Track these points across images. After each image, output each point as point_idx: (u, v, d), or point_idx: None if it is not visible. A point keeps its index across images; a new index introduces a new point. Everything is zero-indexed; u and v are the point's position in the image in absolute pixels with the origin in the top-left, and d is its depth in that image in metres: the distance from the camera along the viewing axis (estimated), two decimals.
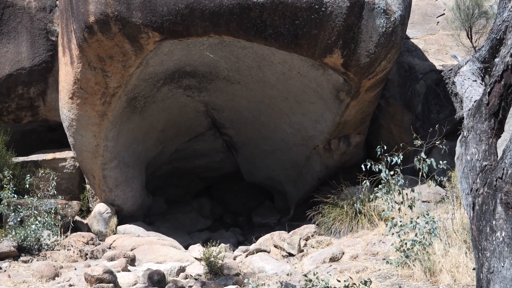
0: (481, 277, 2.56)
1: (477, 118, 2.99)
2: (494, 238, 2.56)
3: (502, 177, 2.68)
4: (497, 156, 2.91)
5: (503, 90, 2.93)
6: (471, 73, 3.52)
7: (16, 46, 13.87)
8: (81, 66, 11.81)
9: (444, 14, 16.69)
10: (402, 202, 9.15)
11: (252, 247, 11.91)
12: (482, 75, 3.56)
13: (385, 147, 9.19)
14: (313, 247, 10.98)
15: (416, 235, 8.60)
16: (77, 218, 13.47)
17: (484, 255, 2.57)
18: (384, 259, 9.17)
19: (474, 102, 3.10)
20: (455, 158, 2.85)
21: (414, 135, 9.82)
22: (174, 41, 11.38)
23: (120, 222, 13.68)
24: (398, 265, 8.69)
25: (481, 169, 2.80)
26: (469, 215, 2.76)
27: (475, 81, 3.42)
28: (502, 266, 2.49)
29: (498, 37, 3.66)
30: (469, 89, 3.32)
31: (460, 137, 3.07)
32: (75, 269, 10.53)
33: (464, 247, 8.33)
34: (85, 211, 13.97)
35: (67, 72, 12.42)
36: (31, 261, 10.83)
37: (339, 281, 7.90)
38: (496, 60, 3.72)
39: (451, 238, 8.58)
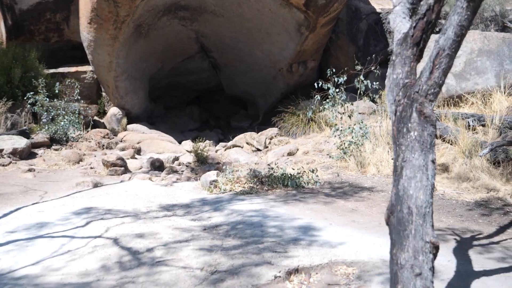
0: (397, 164, 2.64)
1: (403, 46, 2.98)
2: (408, 137, 2.63)
3: (418, 92, 2.72)
4: (416, 77, 2.93)
5: (425, 25, 2.91)
6: (401, 11, 3.46)
7: None
8: None
9: None
10: (343, 113, 9.26)
11: (229, 143, 12.05)
12: (410, 14, 3.51)
13: (334, 70, 9.17)
14: (275, 145, 11.14)
15: (352, 137, 8.77)
16: (96, 118, 13.36)
17: (400, 148, 2.64)
18: (328, 154, 9.39)
19: (403, 34, 3.06)
20: (386, 76, 2.83)
21: (356, 62, 9.81)
22: None
23: (129, 122, 13.62)
24: (338, 159, 8.91)
25: (403, 85, 2.82)
26: (392, 119, 2.81)
27: (405, 18, 3.37)
28: (413, 157, 2.57)
29: None
30: (399, 24, 3.28)
31: (390, 61, 3.07)
32: (95, 156, 10.55)
33: (387, 147, 8.55)
34: (102, 113, 13.85)
35: (85, 2, 11.90)
36: (61, 149, 10.81)
37: (293, 169, 8.11)
38: (422, 2, 3.65)
39: (378, 141, 8.78)
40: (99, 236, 5.05)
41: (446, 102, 10.35)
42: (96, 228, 5.35)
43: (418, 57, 2.98)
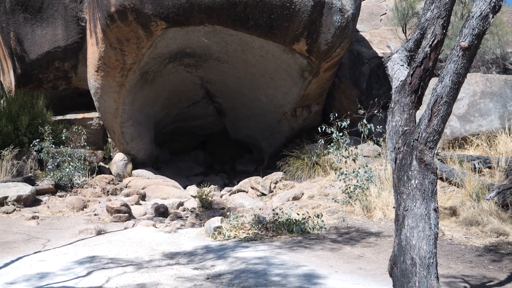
0: (399, 213, 2.60)
1: (402, 94, 3.00)
2: (409, 185, 2.60)
3: (418, 139, 2.71)
4: (415, 124, 2.92)
5: (422, 73, 2.94)
6: (399, 59, 3.51)
7: (53, 29, 13.53)
8: (104, 47, 11.61)
9: (386, 13, 16.54)
10: (348, 156, 9.23)
11: (234, 188, 11.99)
12: (408, 61, 3.55)
13: (337, 114, 9.22)
14: (281, 189, 11.06)
15: (357, 181, 8.71)
16: (101, 164, 13.39)
17: (401, 197, 2.60)
18: (333, 198, 9.30)
19: (400, 81, 3.08)
20: (386, 124, 2.82)
21: (359, 105, 9.86)
22: (177, 29, 11.20)
23: (134, 167, 13.62)
24: (343, 203, 8.82)
25: (403, 132, 2.82)
26: (392, 167, 2.79)
27: (402, 65, 3.41)
28: (414, 206, 2.53)
29: (422, 32, 3.64)
30: (397, 72, 3.31)
31: (389, 108, 3.08)
32: (99, 202, 10.52)
33: (393, 191, 8.44)
34: (108, 159, 13.89)
35: (93, 51, 12.19)
36: (65, 196, 10.79)
37: (298, 214, 8.02)
38: (419, 49, 3.71)
39: (383, 184, 8.70)
40: (100, 287, 4.96)
41: (451, 144, 10.31)
42: (97, 278, 5.26)
43: (417, 104, 3.00)
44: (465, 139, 10.32)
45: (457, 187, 8.56)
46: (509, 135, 9.75)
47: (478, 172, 8.65)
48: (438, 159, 9.36)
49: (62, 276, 5.47)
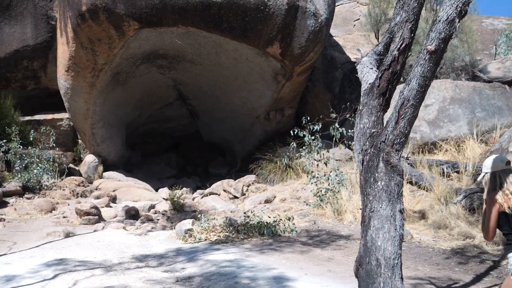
0: (365, 215, 2.62)
1: (370, 96, 3.03)
2: (376, 186, 2.62)
3: (385, 141, 2.74)
4: (383, 126, 2.96)
5: (391, 76, 2.97)
6: (369, 62, 3.55)
7: (22, 28, 13.23)
8: (75, 46, 11.41)
9: (359, 19, 16.78)
10: (320, 160, 9.29)
11: (207, 191, 11.93)
12: (377, 65, 3.60)
13: (309, 118, 9.27)
14: (253, 192, 11.05)
15: (329, 184, 8.77)
16: (71, 165, 13.14)
17: (368, 198, 2.63)
18: (304, 201, 9.33)
19: (369, 84, 3.12)
20: (354, 127, 2.80)
21: (331, 109, 9.94)
22: (150, 29, 11.10)
23: (105, 169, 13.42)
24: (315, 207, 8.87)
25: (370, 134, 2.85)
26: (359, 169, 2.81)
27: (372, 68, 3.45)
28: (380, 207, 2.56)
29: (391, 36, 3.69)
30: (366, 75, 3.35)
31: (357, 111, 3.10)
32: (68, 204, 10.31)
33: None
34: (78, 160, 13.64)
35: (63, 50, 11.97)
36: (33, 198, 10.54)
37: (269, 217, 8.03)
38: (387, 53, 3.75)
39: (354, 188, 8.77)
40: None
41: (420, 149, 10.49)
42: (64, 281, 5.15)
43: (385, 107, 3.03)
44: (435, 144, 10.51)
45: (426, 191, 8.71)
46: (477, 140, 9.97)
47: (446, 176, 8.82)
48: (408, 163, 9.51)
49: (29, 279, 5.34)
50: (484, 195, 3.17)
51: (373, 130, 2.84)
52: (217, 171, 15.80)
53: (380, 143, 2.70)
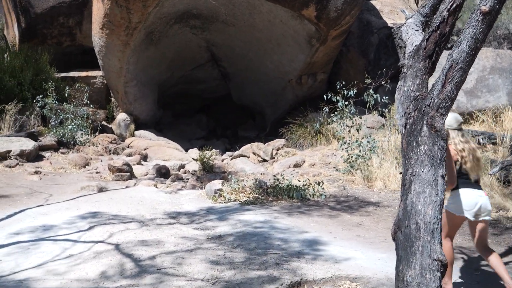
0: (405, 178, 2.58)
1: (415, 59, 2.94)
2: (418, 150, 2.57)
3: (430, 105, 2.66)
4: (427, 90, 2.87)
5: (438, 38, 2.87)
6: (414, 24, 3.42)
7: None
8: (110, 4, 11.38)
9: None
10: (352, 126, 9.19)
11: (236, 153, 11.98)
12: (423, 27, 3.47)
13: (343, 83, 9.12)
14: (282, 156, 11.06)
15: (360, 151, 8.69)
16: (104, 123, 13.36)
17: (409, 162, 2.58)
18: (334, 167, 9.30)
19: (415, 46, 3.02)
20: (397, 89, 2.74)
21: (366, 75, 9.76)
22: None
23: (136, 128, 13.59)
24: (345, 173, 8.83)
25: (414, 97, 2.77)
26: (401, 132, 2.75)
27: (417, 30, 3.33)
28: (422, 171, 2.51)
29: None
30: (412, 36, 3.24)
31: (401, 73, 3.02)
32: (101, 161, 10.54)
33: (394, 162, 8.45)
34: (110, 118, 13.84)
35: (98, 8, 11.97)
36: (68, 153, 10.81)
37: (299, 181, 8.04)
38: (436, 14, 3.61)
39: (385, 155, 8.69)
40: (102, 242, 5.01)
41: None
42: (99, 233, 5.31)
43: (430, 70, 2.94)
44: (471, 115, 10.26)
45: None
46: None
47: (482, 147, 8.63)
48: None
49: (65, 229, 5.53)
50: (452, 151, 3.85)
51: (417, 93, 2.76)
52: (247, 134, 15.81)
53: (425, 107, 2.63)
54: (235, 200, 7.38)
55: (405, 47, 10.84)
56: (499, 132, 9.00)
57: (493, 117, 9.86)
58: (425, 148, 2.54)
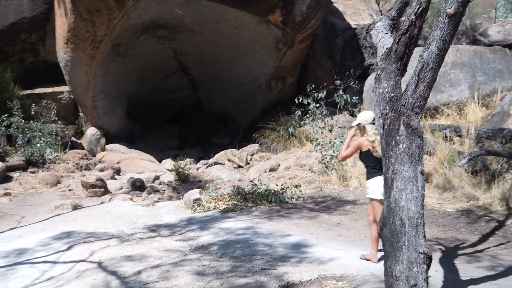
0: (387, 177, 2.68)
1: (388, 61, 3.05)
2: (397, 149, 2.67)
3: (405, 105, 2.77)
4: (401, 90, 2.99)
5: (408, 40, 2.99)
6: (383, 27, 3.55)
7: (18, 0, 13.05)
8: (73, 18, 11.27)
9: None
10: (324, 127, 9.34)
11: (211, 160, 11.99)
12: (391, 29, 3.60)
13: (313, 86, 9.27)
14: (257, 161, 11.13)
15: (333, 151, 8.84)
16: (73, 139, 13.14)
17: (390, 161, 2.68)
18: (309, 169, 9.43)
19: (386, 49, 3.13)
20: (372, 91, 2.82)
21: (335, 77, 9.94)
22: None
23: (107, 142, 13.42)
24: (320, 174, 8.96)
25: (390, 98, 2.88)
26: (380, 133, 2.85)
27: (386, 33, 3.45)
28: (403, 169, 2.62)
29: (405, 1, 3.69)
30: (382, 39, 3.36)
31: (374, 75, 3.13)
32: (73, 178, 10.38)
33: None
34: (79, 133, 13.63)
35: (62, 22, 11.82)
36: (37, 172, 10.58)
37: (276, 185, 8.13)
38: (402, 18, 3.75)
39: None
40: (83, 260, 4.96)
41: (422, 114, 10.53)
42: (79, 252, 5.25)
43: (402, 71, 3.06)
44: (436, 109, 10.55)
45: (429, 155, 8.81)
46: (478, 104, 10.02)
47: (449, 140, 8.90)
48: None
49: (42, 251, 5.43)
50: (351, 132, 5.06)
51: (392, 94, 2.87)
52: (220, 141, 15.81)
53: (401, 107, 2.74)
54: (214, 208, 7.40)
55: (370, 47, 11.09)
56: (464, 124, 9.29)
57: (458, 110, 10.17)
58: (404, 146, 2.64)
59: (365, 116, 4.71)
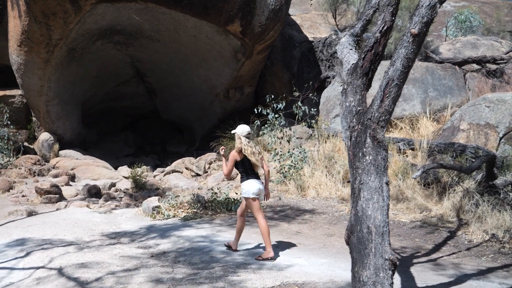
0: (354, 187, 2.80)
1: (354, 76, 3.19)
2: (364, 161, 2.80)
3: (371, 118, 2.91)
4: (366, 104, 3.13)
5: (373, 56, 3.14)
6: (348, 43, 3.71)
7: None
8: (28, 20, 10.98)
9: None
10: (282, 137, 9.49)
11: (168, 168, 11.92)
12: (355, 45, 3.77)
13: (273, 96, 9.41)
14: (215, 170, 11.15)
15: (291, 161, 8.99)
16: (25, 144, 12.74)
17: (357, 172, 2.80)
18: None
19: (352, 64, 3.28)
20: (339, 104, 2.96)
21: (293, 88, 10.13)
22: (107, 4, 10.87)
23: (61, 148, 13.10)
24: (278, 183, 9.07)
25: (356, 112, 3.01)
26: (347, 145, 2.98)
27: (351, 49, 3.62)
28: (369, 179, 2.74)
29: (368, 19, 3.87)
30: (347, 55, 3.51)
31: (341, 89, 3.26)
32: (26, 183, 10.07)
33: (325, 171, 8.83)
34: (32, 138, 13.23)
35: (15, 24, 11.48)
36: None
37: (236, 193, 8.18)
38: (365, 35, 3.93)
39: (316, 164, 9.05)
40: (43, 267, 4.84)
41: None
42: (38, 259, 5.11)
43: (367, 86, 3.21)
44: (390, 123, 10.93)
45: None
46: (430, 119, 10.47)
47: (402, 153, 9.25)
48: None
49: None
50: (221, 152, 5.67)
51: (359, 108, 3.01)
52: (176, 150, 15.74)
53: (367, 120, 2.88)
54: (174, 216, 7.36)
55: (326, 60, 11.35)
56: (416, 138, 9.69)
57: (410, 124, 10.59)
58: (370, 158, 2.78)
59: (242, 129, 5.44)
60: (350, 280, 4.38)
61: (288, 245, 5.75)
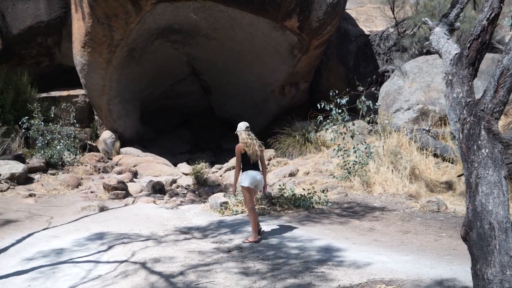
0: (471, 181, 2.68)
1: (459, 66, 3.06)
2: (480, 154, 2.68)
3: (484, 110, 2.78)
4: (474, 95, 3.00)
5: (480, 45, 3.01)
6: (443, 32, 3.57)
7: (35, 4, 13.03)
8: (91, 22, 11.30)
9: None
10: (345, 133, 9.34)
11: (227, 164, 11.97)
12: (450, 34, 3.63)
13: (337, 92, 9.26)
14: (275, 166, 11.10)
15: (356, 157, 8.84)
16: (88, 142, 13.14)
17: (473, 165, 2.68)
18: (331, 174, 9.39)
19: (455, 54, 3.15)
20: (444, 96, 2.87)
21: (350, 82, 9.95)
22: (166, 4, 11.01)
23: (121, 145, 13.42)
24: (342, 179, 8.93)
25: (466, 103, 2.89)
26: (458, 137, 2.86)
27: (448, 39, 3.49)
28: (487, 173, 2.62)
29: (462, 7, 3.72)
30: (446, 45, 3.38)
31: (446, 80, 3.14)
32: (93, 180, 10.37)
33: (391, 167, 8.62)
34: (94, 137, 13.63)
35: (79, 26, 11.84)
36: (57, 174, 10.58)
37: (304, 189, 8.11)
38: (456, 25, 3.77)
39: (381, 160, 8.85)
40: (126, 261, 4.94)
41: (441, 121, 10.56)
42: (121, 252, 5.23)
43: (474, 76, 3.07)
44: None
45: (451, 163, 8.83)
46: None
47: None
48: (430, 136, 9.60)
49: (80, 251, 5.41)
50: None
51: (468, 99, 2.89)
52: (230, 146, 15.75)
53: (480, 112, 2.75)
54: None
55: (384, 54, 11.04)
56: None
57: None
58: (486, 151, 2.65)
59: (240, 126, 6.05)
60: (437, 278, 4.27)
61: (365, 242, 5.64)
